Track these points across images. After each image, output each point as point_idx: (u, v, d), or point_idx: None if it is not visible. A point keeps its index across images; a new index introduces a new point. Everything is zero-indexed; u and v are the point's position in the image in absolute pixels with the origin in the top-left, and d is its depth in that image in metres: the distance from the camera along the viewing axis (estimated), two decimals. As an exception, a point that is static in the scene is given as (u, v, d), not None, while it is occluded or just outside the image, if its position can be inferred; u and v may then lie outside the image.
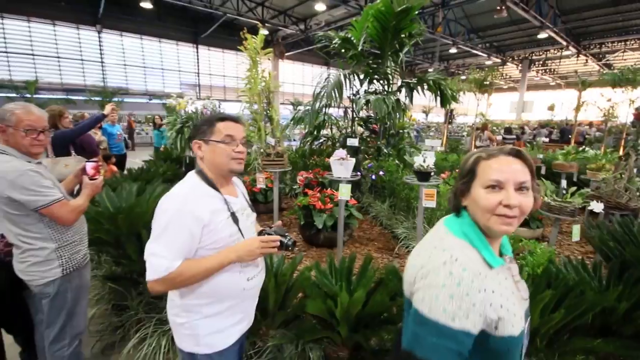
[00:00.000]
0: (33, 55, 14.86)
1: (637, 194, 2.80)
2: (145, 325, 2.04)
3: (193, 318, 1.14)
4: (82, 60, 16.20)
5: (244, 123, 1.29)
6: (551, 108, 23.36)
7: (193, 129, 1.25)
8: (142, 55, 18.66)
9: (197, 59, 20.65)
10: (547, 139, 12.66)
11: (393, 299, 1.64)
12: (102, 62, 16.81)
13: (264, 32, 3.25)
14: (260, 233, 1.22)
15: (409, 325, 0.77)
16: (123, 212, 2.23)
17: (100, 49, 16.60)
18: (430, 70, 23.49)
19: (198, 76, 20.94)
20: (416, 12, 4.35)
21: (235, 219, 1.15)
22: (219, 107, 4.82)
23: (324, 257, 3.66)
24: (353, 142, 3.11)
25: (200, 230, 1.05)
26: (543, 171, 5.97)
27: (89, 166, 1.69)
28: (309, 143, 5.87)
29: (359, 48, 5.04)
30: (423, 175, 2.51)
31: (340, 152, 2.60)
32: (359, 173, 3.58)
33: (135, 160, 7.95)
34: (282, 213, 4.83)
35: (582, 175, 4.84)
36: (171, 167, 5.57)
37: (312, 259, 3.63)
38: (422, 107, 23.08)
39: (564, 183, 2.95)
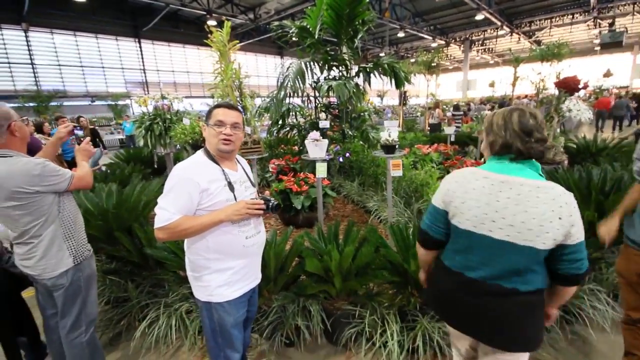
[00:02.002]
0: (-52, 60, 13.14)
1: (561, 149, 3.38)
2: (151, 310, 2.17)
3: (205, 272, 1.39)
4: (8, 63, 14.58)
5: (238, 109, 1.50)
6: (492, 85, 25.38)
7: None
8: (78, 53, 17.21)
9: (141, 55, 19.45)
10: (485, 113, 13.82)
11: (377, 251, 1.95)
12: (32, 63, 15.25)
13: (211, 22, 3.30)
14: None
15: (583, 253, 1.02)
16: (115, 209, 2.30)
17: (29, 50, 15.02)
18: (381, 54, 24.29)
19: (144, 73, 19.77)
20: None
21: (231, 187, 1.38)
22: (181, 101, 4.78)
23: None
24: (325, 124, 3.36)
25: (199, 194, 1.28)
26: (488, 140, 6.68)
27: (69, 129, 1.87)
28: (275, 132, 6.01)
29: (316, 36, 5.24)
30: (389, 149, 2.83)
31: (314, 134, 2.84)
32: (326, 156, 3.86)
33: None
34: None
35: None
36: (137, 168, 5.44)
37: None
38: (377, 91, 23.92)
39: None
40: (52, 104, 14.63)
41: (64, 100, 16.00)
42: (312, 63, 5.32)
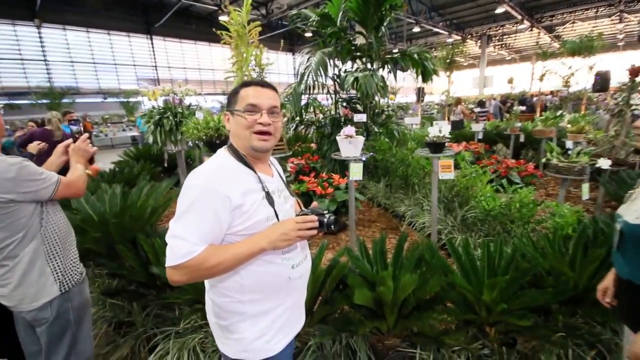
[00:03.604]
0: (-37, 57, 13.14)
1: (631, 149, 2.90)
2: (160, 341, 1.80)
3: (237, 319, 0.99)
4: (22, 60, 14.54)
5: (274, 87, 1.07)
6: (510, 81, 24.52)
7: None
8: (91, 50, 17.12)
9: (153, 51, 19.29)
10: (520, 108, 13.02)
11: (445, 274, 1.53)
12: (45, 60, 15.18)
13: (223, 17, 2.85)
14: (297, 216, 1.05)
15: None
16: (114, 218, 1.93)
17: (42, 46, 14.95)
18: (394, 51, 23.47)
19: (156, 69, 19.63)
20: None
21: (270, 200, 0.99)
22: (194, 94, 4.41)
23: (330, 245, 3.53)
24: (361, 117, 2.94)
25: (230, 213, 0.90)
26: (522, 139, 6.16)
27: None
28: (293, 129, 5.62)
29: (338, 24, 4.82)
30: (437, 147, 2.40)
31: (349, 130, 2.43)
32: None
33: (98, 164, 7.18)
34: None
35: (563, 138, 5.00)
36: (146, 166, 5.14)
37: (317, 246, 3.48)
38: (391, 88, 23.33)
39: (569, 144, 2.98)
40: (65, 100, 14.53)
41: (76, 97, 15.93)
42: (333, 54, 4.90)
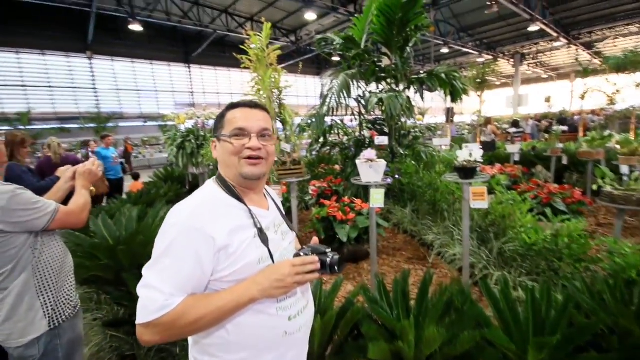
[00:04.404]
0: (24, 86, 14.66)
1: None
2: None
3: None
4: (74, 87, 16.01)
5: (264, 107, 0.94)
6: (548, 100, 23.38)
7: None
8: (135, 78, 18.55)
9: (190, 78, 20.58)
10: (562, 128, 12.29)
11: (479, 326, 1.28)
12: (94, 88, 16.62)
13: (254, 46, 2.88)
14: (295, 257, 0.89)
15: None
16: (123, 243, 1.87)
17: (92, 75, 16.44)
18: (422, 71, 23.24)
19: (192, 95, 20.84)
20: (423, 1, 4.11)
21: (264, 238, 0.84)
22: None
23: (350, 274, 3.30)
24: (382, 140, 2.79)
25: (214, 256, 0.77)
26: (565, 161, 5.66)
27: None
28: (316, 151, 5.54)
29: (362, 46, 4.79)
30: (467, 172, 2.17)
31: (369, 153, 2.28)
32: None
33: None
34: (297, 228, 4.48)
35: (613, 161, 4.50)
36: (173, 187, 5.24)
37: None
38: (418, 108, 22.99)
39: (624, 169, 2.61)
40: (109, 124, 15.69)
41: (119, 121, 17.16)
42: (357, 76, 4.84)
